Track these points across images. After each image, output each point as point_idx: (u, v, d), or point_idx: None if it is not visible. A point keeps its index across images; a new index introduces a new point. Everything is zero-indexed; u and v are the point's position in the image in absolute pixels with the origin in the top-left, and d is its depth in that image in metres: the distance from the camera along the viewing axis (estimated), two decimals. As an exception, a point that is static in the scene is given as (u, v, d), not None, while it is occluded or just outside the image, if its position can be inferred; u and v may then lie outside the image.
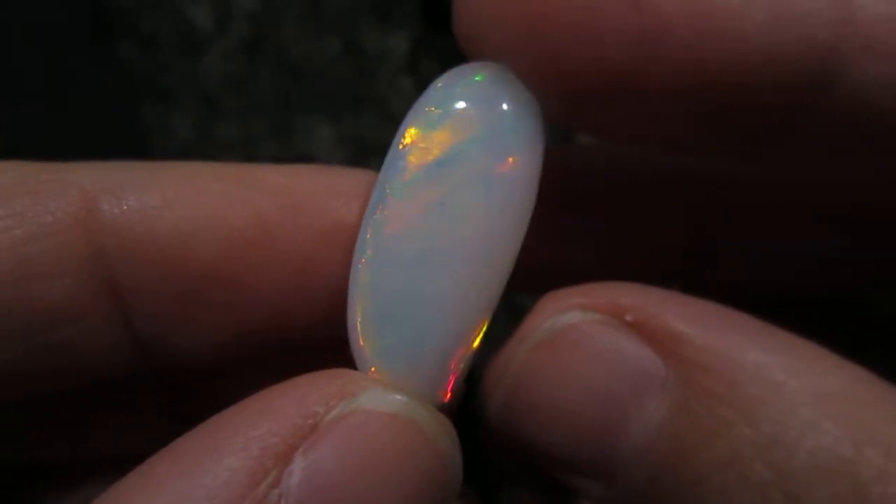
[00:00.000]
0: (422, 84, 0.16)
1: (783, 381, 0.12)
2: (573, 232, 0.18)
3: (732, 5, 0.13)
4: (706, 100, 0.14)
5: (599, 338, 0.14)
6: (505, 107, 0.15)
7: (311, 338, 0.17)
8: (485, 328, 0.15)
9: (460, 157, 0.15)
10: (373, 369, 0.15)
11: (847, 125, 0.14)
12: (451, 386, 0.15)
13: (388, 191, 0.15)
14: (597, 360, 0.14)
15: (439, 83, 0.15)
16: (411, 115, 0.15)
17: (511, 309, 0.16)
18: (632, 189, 0.19)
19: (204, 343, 0.16)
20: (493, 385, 0.15)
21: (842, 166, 0.15)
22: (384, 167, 0.15)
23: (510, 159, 0.15)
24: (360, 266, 0.15)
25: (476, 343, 0.15)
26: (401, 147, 0.15)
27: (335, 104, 0.52)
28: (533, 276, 0.16)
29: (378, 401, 0.13)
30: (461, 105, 0.15)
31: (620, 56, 0.13)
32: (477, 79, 0.15)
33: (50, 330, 0.15)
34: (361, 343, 0.15)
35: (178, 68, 0.52)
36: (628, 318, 0.14)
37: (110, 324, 0.16)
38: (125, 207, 0.15)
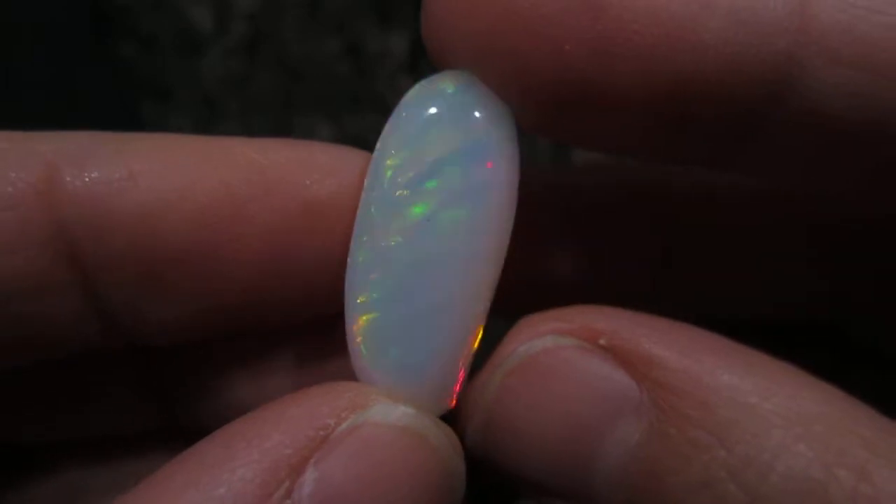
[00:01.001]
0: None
1: (756, 403, 0.12)
2: (552, 249, 0.18)
3: (691, 13, 0.13)
4: (667, 107, 0.14)
5: (573, 362, 0.14)
6: (478, 115, 0.15)
7: (289, 317, 0.17)
8: (480, 334, 0.15)
9: (440, 169, 0.15)
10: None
11: (806, 132, 0.14)
12: (455, 395, 0.15)
13: (373, 210, 0.15)
14: (571, 385, 0.14)
15: (410, 96, 0.15)
16: (389, 131, 0.15)
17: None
18: (607, 208, 0.19)
19: (176, 320, 0.16)
20: (470, 411, 0.15)
21: (806, 175, 0.15)
22: (366, 187, 0.15)
23: (489, 166, 0.15)
24: (354, 284, 0.15)
25: (474, 348, 0.15)
26: (382, 165, 0.15)
27: (335, 104, 0.52)
28: (514, 297, 0.16)
29: (387, 414, 0.14)
30: (436, 117, 0.15)
31: (581, 63, 0.13)
32: (448, 89, 0.15)
33: (11, 303, 0.15)
34: (366, 359, 0.15)
35: (178, 68, 0.52)
36: (602, 342, 0.14)
37: (75, 298, 0.15)
38: (88, 179, 0.15)
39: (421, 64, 0.46)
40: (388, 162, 0.15)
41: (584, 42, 0.13)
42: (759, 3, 0.13)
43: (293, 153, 0.16)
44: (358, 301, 0.15)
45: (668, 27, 0.13)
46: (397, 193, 0.15)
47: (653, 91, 0.14)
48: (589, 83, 0.14)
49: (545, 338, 0.14)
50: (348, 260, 0.15)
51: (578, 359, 0.14)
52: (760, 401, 0.12)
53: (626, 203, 0.19)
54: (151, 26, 0.53)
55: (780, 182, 0.16)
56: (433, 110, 0.15)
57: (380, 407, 0.14)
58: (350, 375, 0.15)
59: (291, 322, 0.17)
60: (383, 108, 0.15)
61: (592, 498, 0.14)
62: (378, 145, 0.15)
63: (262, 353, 0.18)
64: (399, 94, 0.15)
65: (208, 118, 0.51)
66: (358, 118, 0.48)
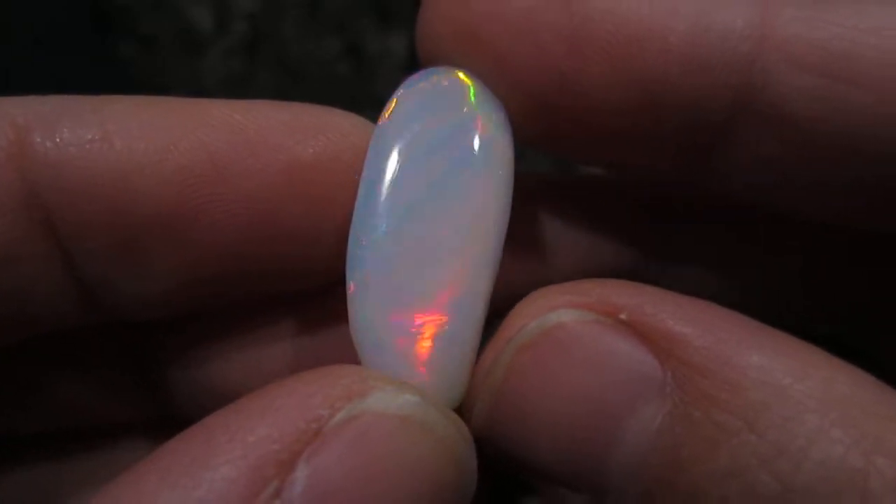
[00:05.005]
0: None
1: (789, 385, 0.12)
2: (551, 247, 0.18)
3: (656, 16, 0.14)
4: (639, 107, 0.14)
5: (591, 339, 0.13)
6: (472, 99, 0.15)
7: (279, 288, 0.16)
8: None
9: (439, 148, 0.15)
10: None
11: (776, 139, 0.14)
12: (466, 384, 0.14)
13: (376, 186, 0.15)
14: (588, 363, 0.13)
15: (404, 86, 0.15)
16: (386, 118, 0.15)
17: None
18: (606, 206, 0.18)
19: (157, 290, 0.15)
20: (477, 390, 0.14)
21: (785, 189, 0.15)
22: (367, 165, 0.15)
23: (486, 143, 0.15)
24: (357, 262, 0.15)
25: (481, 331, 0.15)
26: (382, 148, 0.15)
27: (335, 104, 0.52)
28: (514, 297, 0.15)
29: (388, 402, 0.12)
30: (432, 103, 0.15)
31: (555, 55, 0.14)
32: (441, 80, 0.15)
33: None
34: (372, 343, 0.14)
35: (178, 68, 0.52)
36: (623, 317, 0.13)
37: (52, 267, 0.15)
38: (59, 140, 0.14)
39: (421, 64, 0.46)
40: (389, 145, 0.15)
41: (557, 35, 0.14)
42: (723, 11, 0.14)
43: (275, 114, 0.15)
44: (362, 281, 0.14)
45: (637, 29, 0.14)
46: (398, 170, 0.15)
47: (625, 91, 0.14)
48: (566, 82, 0.14)
49: (560, 311, 0.13)
50: (349, 241, 0.15)
51: (597, 335, 0.13)
52: (793, 382, 0.12)
53: (626, 202, 0.19)
54: (151, 26, 0.52)
55: (762, 197, 0.16)
56: (428, 96, 0.15)
57: (380, 394, 0.12)
58: (354, 352, 0.14)
59: (284, 294, 0.17)
60: (383, 108, 0.15)
61: (606, 489, 0.13)
62: (376, 131, 0.15)
63: (255, 331, 0.17)
64: (399, 94, 0.15)
65: (208, 118, 0.51)
66: (358, 118, 0.48)
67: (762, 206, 0.16)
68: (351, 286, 0.15)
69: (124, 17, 0.52)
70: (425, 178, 0.15)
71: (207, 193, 0.14)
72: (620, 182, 0.19)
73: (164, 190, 0.14)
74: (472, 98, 0.15)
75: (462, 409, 0.14)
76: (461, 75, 0.15)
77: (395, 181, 0.15)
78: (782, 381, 0.12)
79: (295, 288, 0.16)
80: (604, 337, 0.13)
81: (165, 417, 0.18)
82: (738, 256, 0.18)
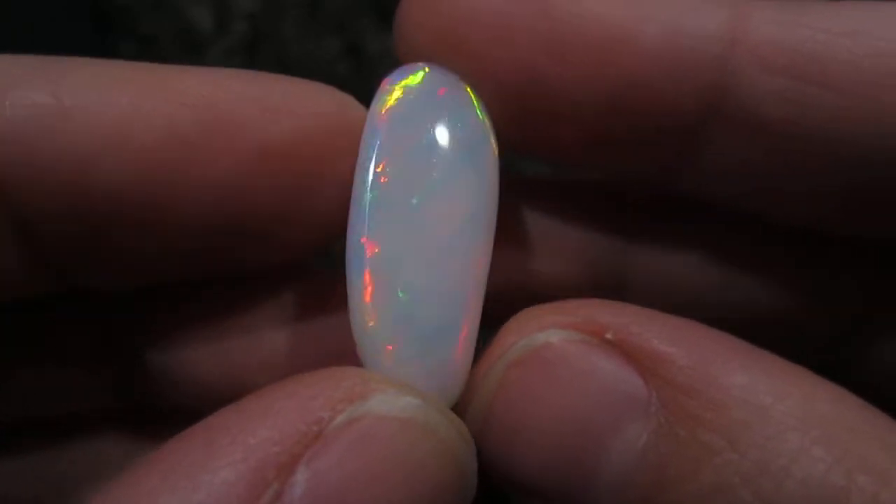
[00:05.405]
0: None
1: (770, 404, 0.12)
2: (541, 250, 0.18)
3: (629, 20, 0.14)
4: (614, 110, 0.15)
5: (577, 358, 0.13)
6: (470, 98, 0.15)
7: (255, 266, 0.16)
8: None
9: (437, 147, 0.15)
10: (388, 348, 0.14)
11: (749, 142, 0.14)
12: (465, 381, 0.14)
13: (374, 184, 0.15)
14: (574, 382, 0.13)
15: (394, 80, 0.15)
16: (371, 122, 0.15)
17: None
18: (594, 205, 0.18)
19: (127, 270, 0.15)
20: (467, 405, 0.14)
21: (763, 194, 0.16)
22: (361, 161, 0.15)
23: (482, 143, 0.15)
24: (357, 263, 0.14)
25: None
26: (377, 141, 0.15)
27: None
28: (503, 303, 0.15)
29: (390, 404, 0.12)
30: (428, 101, 0.15)
31: (531, 56, 0.14)
32: (414, 81, 0.15)
33: None
34: (373, 343, 0.14)
35: (178, 68, 0.52)
36: (609, 336, 0.13)
37: (7, 244, 0.14)
38: (10, 114, 0.13)
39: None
40: (385, 142, 0.15)
41: (533, 36, 0.14)
42: (693, 14, 0.14)
43: (246, 88, 0.14)
44: (363, 282, 0.14)
45: (611, 32, 0.14)
46: (396, 172, 0.15)
47: (601, 93, 0.14)
48: (543, 84, 0.14)
49: (548, 331, 0.14)
50: (347, 240, 0.15)
51: (583, 354, 0.13)
52: (774, 401, 0.12)
53: (618, 202, 0.18)
54: (151, 26, 0.52)
55: (746, 203, 0.16)
56: (423, 94, 0.15)
57: (381, 397, 0.12)
58: (343, 343, 0.14)
59: (267, 283, 0.16)
60: (374, 103, 0.15)
61: None
62: (369, 126, 0.15)
63: (238, 320, 0.17)
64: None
65: (208, 118, 0.51)
66: (358, 118, 0.48)
67: (750, 213, 0.17)
68: (351, 287, 0.14)
69: (124, 17, 0.52)
70: (424, 176, 0.15)
71: (173, 177, 0.14)
72: (614, 182, 0.19)
73: (125, 173, 0.14)
74: (470, 97, 0.15)
75: (457, 411, 0.14)
76: (454, 74, 0.15)
77: (392, 180, 0.15)
78: (764, 401, 0.12)
79: (273, 267, 0.16)
80: (589, 357, 0.13)
81: (147, 407, 0.18)
82: (731, 257, 0.18)
